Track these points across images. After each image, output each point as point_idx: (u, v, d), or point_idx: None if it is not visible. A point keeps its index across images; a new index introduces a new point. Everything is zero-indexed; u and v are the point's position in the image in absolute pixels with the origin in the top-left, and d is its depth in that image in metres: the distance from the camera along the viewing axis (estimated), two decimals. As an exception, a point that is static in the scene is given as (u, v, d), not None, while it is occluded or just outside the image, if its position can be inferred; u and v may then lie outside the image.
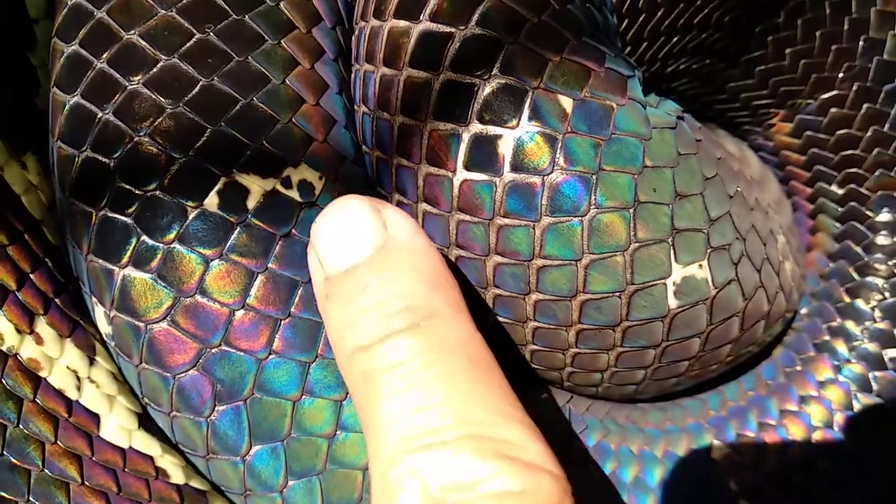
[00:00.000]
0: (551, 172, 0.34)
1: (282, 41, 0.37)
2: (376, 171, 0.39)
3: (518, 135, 0.34)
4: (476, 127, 0.34)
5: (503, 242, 0.35)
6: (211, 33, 0.36)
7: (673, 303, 0.36)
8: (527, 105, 0.34)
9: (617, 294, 0.35)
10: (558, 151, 0.34)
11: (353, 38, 0.40)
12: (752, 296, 0.38)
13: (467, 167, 0.34)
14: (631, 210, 0.34)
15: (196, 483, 0.37)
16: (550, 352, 0.39)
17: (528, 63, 0.34)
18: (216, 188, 0.35)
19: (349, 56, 0.41)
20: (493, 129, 0.34)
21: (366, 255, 0.31)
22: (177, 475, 0.37)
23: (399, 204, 0.38)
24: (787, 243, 0.44)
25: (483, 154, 0.34)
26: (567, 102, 0.34)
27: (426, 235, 0.33)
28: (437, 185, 0.35)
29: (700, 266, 0.36)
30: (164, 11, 0.36)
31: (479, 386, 0.29)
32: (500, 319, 0.38)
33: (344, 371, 0.32)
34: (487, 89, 0.34)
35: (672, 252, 0.35)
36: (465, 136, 0.34)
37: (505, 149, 0.34)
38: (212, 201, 0.34)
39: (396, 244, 0.31)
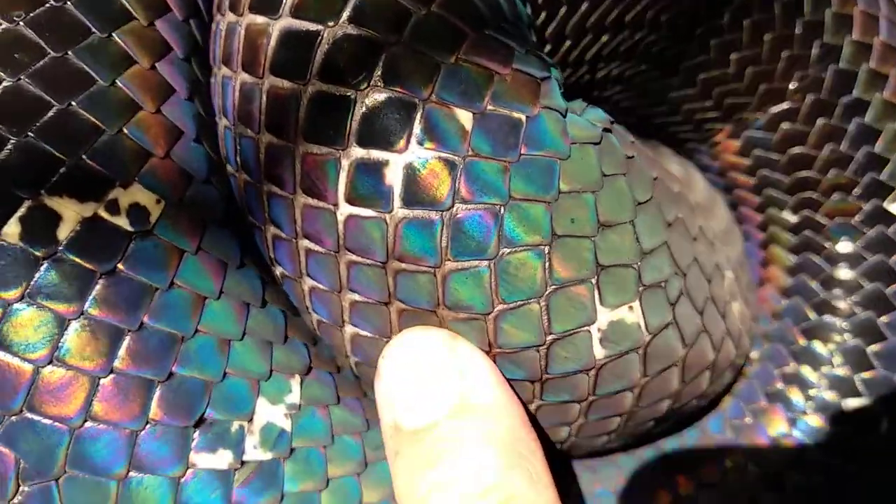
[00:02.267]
0: (451, 207, 0.27)
1: (113, 34, 0.30)
2: (245, 196, 0.32)
3: (408, 160, 0.27)
4: (356, 151, 0.27)
5: (403, 290, 0.29)
6: (21, 22, 0.29)
7: (599, 353, 0.29)
8: (417, 122, 0.27)
9: (534, 347, 0.29)
10: (458, 178, 0.27)
11: (211, 33, 0.33)
12: (693, 342, 0.32)
13: (350, 201, 0.28)
14: (546, 248, 0.28)
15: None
16: None
17: (416, 68, 0.27)
18: (18, 214, 0.27)
19: (207, 54, 0.34)
20: (376, 154, 0.27)
21: (441, 414, 0.28)
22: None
23: (276, 238, 0.31)
24: (736, 280, 0.38)
25: (368, 184, 0.28)
26: (465, 117, 0.27)
27: (506, 384, 0.29)
28: (319, 219, 0.29)
29: (630, 308, 0.29)
30: (-40, -6, 0.29)
31: None
32: None
33: None
34: (368, 103, 0.27)
35: (596, 294, 0.29)
36: (345, 163, 0.28)
37: (393, 178, 0.27)
38: (12, 230, 0.27)
39: (474, 402, 0.29)
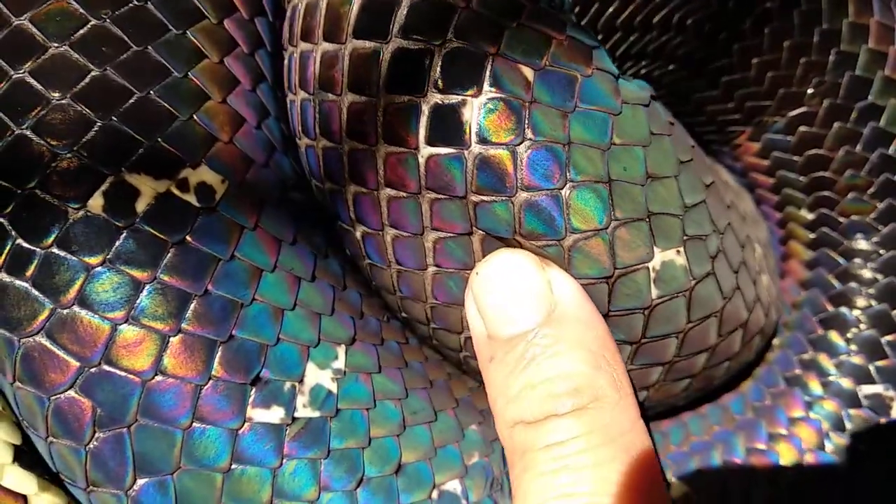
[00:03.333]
0: (520, 143, 0.30)
1: (188, 31, 0.34)
2: (324, 164, 0.35)
3: (482, 101, 0.30)
4: (435, 97, 0.31)
5: (483, 219, 0.31)
6: (108, 20, 0.33)
7: (654, 292, 0.32)
8: (487, 71, 0.30)
9: (604, 279, 0.32)
10: (525, 121, 0.30)
11: (286, 17, 0.37)
12: (729, 296, 0.35)
13: (430, 142, 0.31)
14: (605, 186, 0.31)
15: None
16: None
17: (484, 28, 0.31)
18: (102, 188, 0.31)
19: (275, 47, 0.37)
20: (453, 98, 0.31)
21: (534, 322, 0.31)
22: (54, 514, 0.33)
23: (357, 195, 0.34)
24: (765, 257, 0.41)
25: (447, 125, 0.31)
26: (528, 71, 0.31)
27: (591, 301, 0.32)
28: (401, 165, 0.32)
29: (678, 252, 0.32)
30: (58, -6, 0.32)
31: (630, 478, 0.29)
32: None
33: (503, 436, 0.32)
34: (444, 55, 0.31)
35: (650, 234, 0.32)
36: (425, 108, 0.31)
37: (469, 117, 0.30)
38: (96, 202, 0.31)
39: (564, 311, 0.31)
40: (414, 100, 0.31)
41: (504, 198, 0.31)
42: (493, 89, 0.30)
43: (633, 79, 0.34)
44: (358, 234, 0.36)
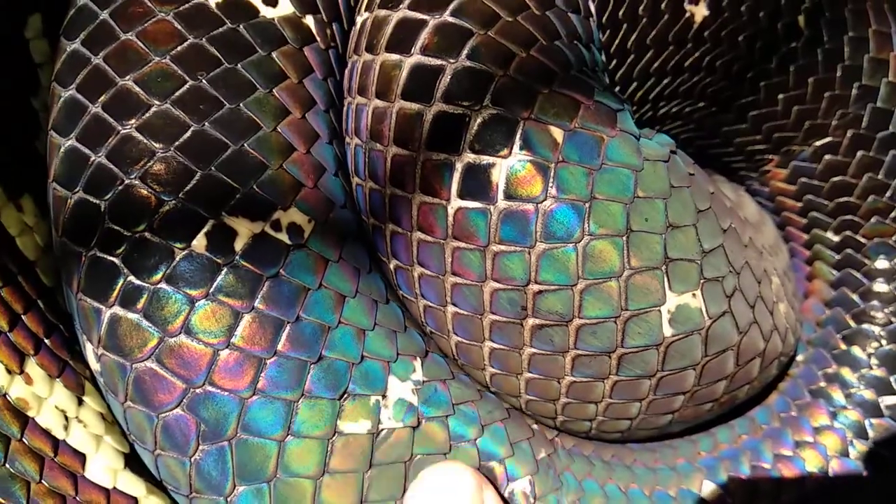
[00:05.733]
0: (544, 200, 0.34)
1: (274, 90, 0.38)
2: (369, 202, 0.39)
3: (511, 163, 0.34)
4: (469, 156, 0.35)
5: (499, 269, 0.35)
6: (203, 80, 0.37)
7: (668, 331, 0.36)
8: (518, 135, 0.34)
9: (612, 319, 0.35)
10: (551, 180, 0.34)
11: (346, 71, 0.41)
12: (746, 330, 0.38)
13: (461, 195, 0.35)
14: (624, 238, 0.35)
15: (180, 524, 0.37)
16: (546, 380, 0.39)
17: (519, 95, 0.35)
18: (204, 230, 0.35)
19: (339, 108, 0.41)
20: (485, 159, 0.34)
21: None
22: (161, 516, 0.37)
23: (394, 234, 0.38)
24: (783, 286, 0.44)
25: (476, 182, 0.35)
26: (558, 133, 0.34)
27: None
28: (432, 213, 0.36)
29: (694, 295, 0.36)
30: (158, 58, 0.36)
31: None
32: (496, 346, 0.38)
33: None
34: (480, 119, 0.34)
35: (665, 280, 0.35)
36: (459, 165, 0.35)
37: (498, 177, 0.34)
38: (199, 243, 0.35)
39: None
40: (450, 158, 0.35)
41: (523, 248, 0.35)
42: (522, 151, 0.34)
43: (654, 133, 0.38)
44: (392, 266, 0.40)
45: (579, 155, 0.34)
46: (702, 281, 0.36)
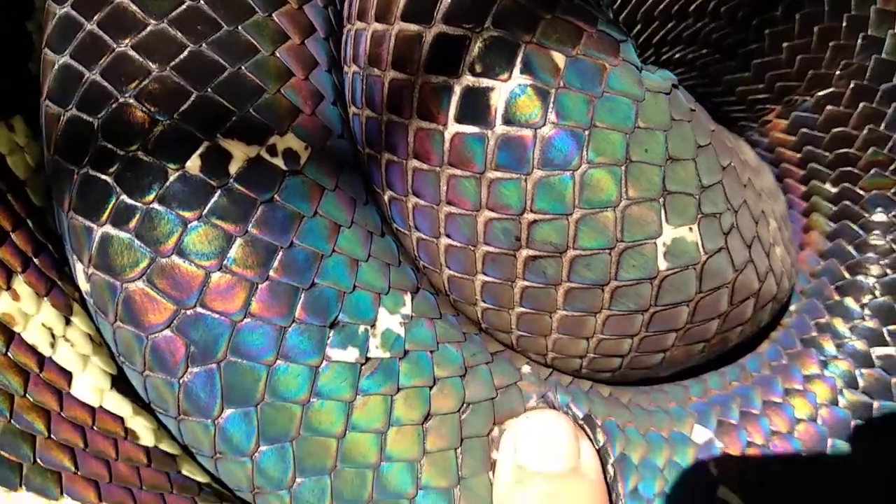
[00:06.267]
0: (543, 126, 0.34)
1: (273, 14, 0.37)
2: (365, 131, 0.38)
3: (510, 87, 0.34)
4: (468, 79, 0.34)
5: (494, 196, 0.35)
6: (201, 1, 0.36)
7: (663, 264, 0.36)
8: (519, 58, 0.34)
9: (607, 251, 0.35)
10: (551, 105, 0.34)
11: None
12: (742, 269, 0.38)
13: (459, 120, 0.34)
14: (622, 167, 0.34)
15: (166, 446, 0.38)
16: (538, 315, 0.38)
17: (521, 18, 0.34)
18: (198, 151, 0.35)
19: (338, 37, 0.41)
20: (485, 82, 0.34)
21: (561, 468, 0.37)
22: (146, 437, 0.37)
23: (389, 163, 0.37)
24: (780, 230, 0.44)
25: (475, 106, 0.34)
26: (560, 58, 0.34)
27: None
28: (428, 139, 0.35)
29: (690, 230, 0.36)
30: (155, -23, 0.36)
31: None
32: (488, 280, 0.38)
33: None
34: (480, 41, 0.34)
35: (663, 212, 0.35)
36: (457, 89, 0.34)
37: (497, 101, 0.34)
38: (193, 164, 0.35)
39: (586, 472, 0.38)
40: (448, 81, 0.34)
41: (519, 175, 0.34)
42: (523, 75, 0.33)
43: (656, 69, 0.37)
44: (386, 198, 0.39)
45: (581, 81, 0.34)
46: (699, 216, 0.36)
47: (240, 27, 0.36)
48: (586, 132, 0.34)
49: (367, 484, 0.37)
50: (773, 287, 0.41)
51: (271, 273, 0.35)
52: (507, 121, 0.34)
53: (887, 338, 0.45)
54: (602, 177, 0.34)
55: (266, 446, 0.36)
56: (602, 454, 0.41)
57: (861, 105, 0.47)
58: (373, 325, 0.37)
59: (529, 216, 0.35)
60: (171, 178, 0.34)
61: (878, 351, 0.45)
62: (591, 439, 0.40)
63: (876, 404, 0.44)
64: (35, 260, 0.37)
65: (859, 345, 0.46)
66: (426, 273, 0.41)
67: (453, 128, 0.34)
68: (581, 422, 0.41)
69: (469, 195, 0.35)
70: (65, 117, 0.36)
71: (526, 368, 0.42)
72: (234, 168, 0.35)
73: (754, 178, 0.42)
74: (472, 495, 0.38)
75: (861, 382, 0.44)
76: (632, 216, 0.35)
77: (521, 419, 0.39)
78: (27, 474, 0.32)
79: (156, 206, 0.34)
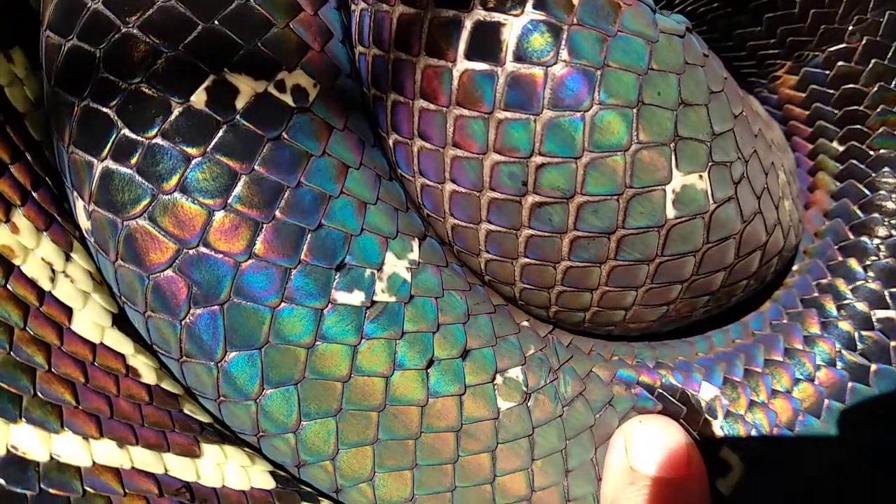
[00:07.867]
0: (555, 64, 0.33)
1: (283, -53, 0.36)
2: (372, 71, 0.37)
3: (523, 22, 0.33)
4: (479, 13, 0.33)
5: (502, 138, 0.34)
6: (208, -71, 0.35)
7: (671, 212, 0.35)
8: None
9: (615, 197, 0.34)
10: (563, 43, 0.33)
11: None
12: (750, 220, 0.37)
13: (468, 56, 0.33)
14: (634, 110, 0.33)
15: (168, 385, 0.37)
16: (542, 266, 0.38)
17: None
18: (204, 85, 0.34)
19: None
20: (496, 16, 0.33)
21: (675, 474, 0.38)
22: (148, 375, 0.36)
23: (395, 104, 0.36)
24: (788, 184, 0.43)
25: (485, 42, 0.33)
26: None
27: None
28: (437, 77, 0.34)
29: (700, 177, 0.35)
30: None
31: None
32: (493, 228, 0.37)
33: None
34: None
35: (673, 158, 0.34)
36: (468, 23, 0.33)
37: (508, 37, 0.33)
38: (198, 98, 0.34)
39: (696, 477, 0.39)
40: (459, 15, 0.33)
41: (528, 116, 0.33)
42: (536, 11, 0.33)
43: (670, 13, 0.37)
44: (391, 142, 0.38)
45: (594, 19, 0.33)
46: (710, 163, 0.35)
47: None
48: (598, 72, 0.33)
49: (372, 426, 0.36)
50: (780, 241, 0.41)
51: (277, 213, 0.34)
52: (518, 58, 0.33)
53: (888, 300, 0.45)
54: (613, 119, 0.33)
55: (271, 389, 0.35)
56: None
57: (873, 62, 0.46)
58: (379, 269, 0.36)
59: (537, 159, 0.34)
60: (175, 113, 0.33)
61: (878, 313, 0.45)
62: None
63: (874, 367, 0.44)
64: (34, 194, 0.36)
65: (861, 306, 0.45)
66: (430, 222, 0.40)
67: (462, 64, 0.34)
68: None
69: (476, 137, 0.34)
70: (66, 48, 0.34)
71: (525, 324, 0.41)
72: (240, 103, 0.34)
73: (765, 130, 0.41)
74: (473, 440, 0.38)
75: (860, 345, 0.44)
76: (642, 161, 0.34)
77: (634, 422, 0.40)
78: (27, 407, 0.31)
79: (159, 140, 0.33)
